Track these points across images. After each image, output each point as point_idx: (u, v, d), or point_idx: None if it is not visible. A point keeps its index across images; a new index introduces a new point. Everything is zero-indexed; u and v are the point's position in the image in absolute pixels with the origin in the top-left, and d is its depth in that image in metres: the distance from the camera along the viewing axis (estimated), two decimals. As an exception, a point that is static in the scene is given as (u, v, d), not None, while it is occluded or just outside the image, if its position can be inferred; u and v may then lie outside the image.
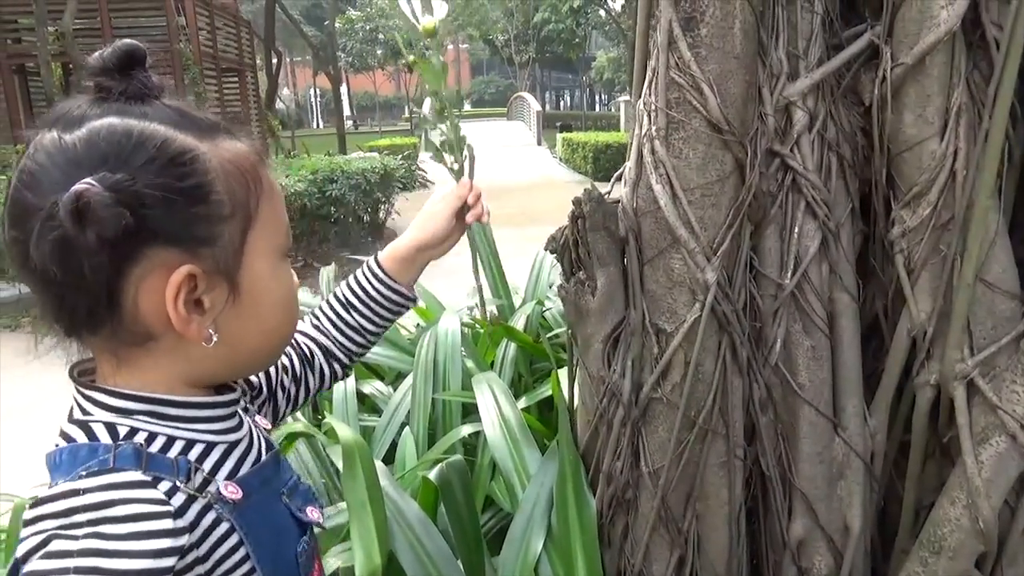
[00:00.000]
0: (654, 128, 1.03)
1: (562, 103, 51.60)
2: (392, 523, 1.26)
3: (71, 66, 9.39)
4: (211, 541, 0.60)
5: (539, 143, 21.64)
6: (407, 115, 40.18)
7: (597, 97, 48.15)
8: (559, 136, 19.14)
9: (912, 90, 1.00)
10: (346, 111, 40.42)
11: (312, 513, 0.71)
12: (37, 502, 0.53)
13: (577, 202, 1.08)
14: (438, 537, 1.25)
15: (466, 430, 1.67)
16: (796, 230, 1.08)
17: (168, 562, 0.53)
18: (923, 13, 0.98)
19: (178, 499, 0.58)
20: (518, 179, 15.35)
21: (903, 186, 1.05)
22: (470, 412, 1.83)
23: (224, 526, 0.61)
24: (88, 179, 0.52)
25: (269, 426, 0.76)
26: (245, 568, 0.63)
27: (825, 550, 1.19)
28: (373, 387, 2.13)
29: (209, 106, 10.64)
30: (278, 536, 0.69)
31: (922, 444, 1.16)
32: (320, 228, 7.95)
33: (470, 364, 1.99)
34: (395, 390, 2.04)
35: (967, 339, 1.05)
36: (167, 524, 0.54)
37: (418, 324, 2.55)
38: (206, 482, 0.62)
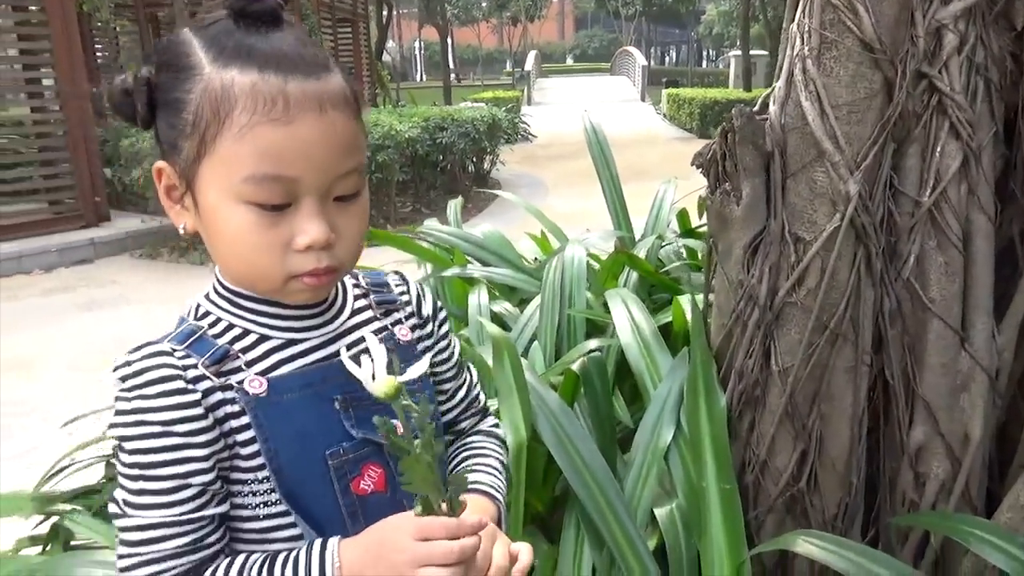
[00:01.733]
0: (806, 48, 1.11)
1: (667, 59, 50.19)
2: (535, 408, 1.42)
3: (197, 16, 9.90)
4: (227, 428, 0.69)
5: (643, 99, 21.27)
6: (509, 69, 40.10)
7: (705, 53, 46.57)
8: (664, 92, 18.74)
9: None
10: (450, 64, 40.74)
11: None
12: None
13: (728, 118, 1.18)
14: (576, 421, 1.40)
15: (592, 344, 1.82)
16: (938, 150, 1.15)
17: (190, 412, 0.67)
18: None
19: (203, 384, 0.68)
20: (621, 134, 15.21)
21: (1051, 107, 1.09)
22: (591, 334, 1.97)
23: (244, 419, 0.69)
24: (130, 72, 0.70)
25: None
26: (257, 461, 0.70)
27: (943, 457, 1.27)
28: (502, 307, 2.30)
29: (325, 55, 10.99)
30: (303, 438, 0.71)
31: (1049, 362, 1.21)
32: (429, 175, 8.21)
33: (588, 295, 2.12)
34: (521, 311, 2.20)
35: (1105, 258, 1.10)
36: (179, 384, 0.67)
37: (536, 258, 2.70)
38: (237, 370, 0.70)
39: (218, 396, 0.69)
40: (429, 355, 0.77)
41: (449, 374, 0.86)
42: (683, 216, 2.71)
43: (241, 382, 0.70)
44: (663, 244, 2.47)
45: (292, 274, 0.69)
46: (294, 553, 0.68)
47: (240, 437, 0.70)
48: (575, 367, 1.43)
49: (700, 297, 1.45)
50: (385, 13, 15.50)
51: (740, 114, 1.16)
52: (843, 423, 1.28)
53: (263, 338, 0.72)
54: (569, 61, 46.51)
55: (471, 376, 0.91)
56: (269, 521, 0.72)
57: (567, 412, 1.41)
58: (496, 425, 0.93)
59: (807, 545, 1.07)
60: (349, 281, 0.80)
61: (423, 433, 0.62)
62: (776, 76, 1.22)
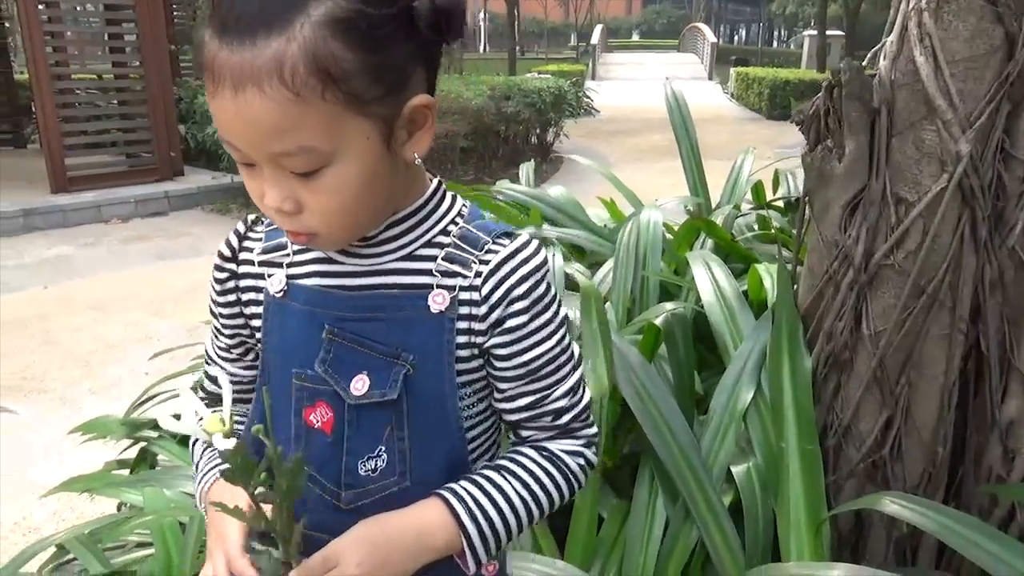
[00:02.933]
0: (923, 1, 1.08)
1: (736, 37, 48.89)
2: (618, 361, 1.43)
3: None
4: (248, 312, 0.78)
5: (710, 77, 20.81)
6: (573, 43, 39.62)
7: (776, 33, 45.20)
8: (732, 71, 18.29)
9: None
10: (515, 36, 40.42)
11: (356, 384, 0.71)
12: None
13: (835, 72, 1.16)
14: (655, 375, 1.41)
15: (669, 305, 1.81)
16: (1057, 112, 1.10)
17: (218, 286, 0.79)
18: None
19: (244, 268, 0.77)
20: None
21: None
22: (662, 300, 1.97)
23: (260, 308, 0.76)
24: None
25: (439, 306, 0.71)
26: (261, 351, 0.77)
27: (1033, 434, 1.24)
28: (574, 268, 2.32)
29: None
30: (286, 349, 0.75)
31: None
32: (492, 144, 8.22)
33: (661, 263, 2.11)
34: (593, 274, 2.21)
35: None
36: (221, 262, 0.79)
37: (605, 224, 2.70)
38: (277, 265, 0.75)
39: (251, 283, 0.77)
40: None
41: (507, 373, 0.73)
42: (758, 189, 2.66)
43: (271, 276, 0.76)
44: (739, 214, 2.43)
45: (278, 224, 0.69)
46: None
47: (255, 324, 0.78)
48: (658, 321, 1.44)
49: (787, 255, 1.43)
50: (454, -19, 15.44)
51: (848, 68, 1.13)
52: (933, 392, 1.26)
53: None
54: (635, 37, 45.71)
55: (559, 388, 0.75)
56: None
57: (646, 367, 1.41)
58: (575, 453, 0.76)
59: (893, 506, 1.06)
60: (439, 223, 0.73)
61: (279, 482, 0.59)
62: (887, 32, 1.19)
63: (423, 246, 0.72)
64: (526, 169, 2.93)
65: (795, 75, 14.62)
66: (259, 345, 0.78)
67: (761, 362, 1.38)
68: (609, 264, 2.14)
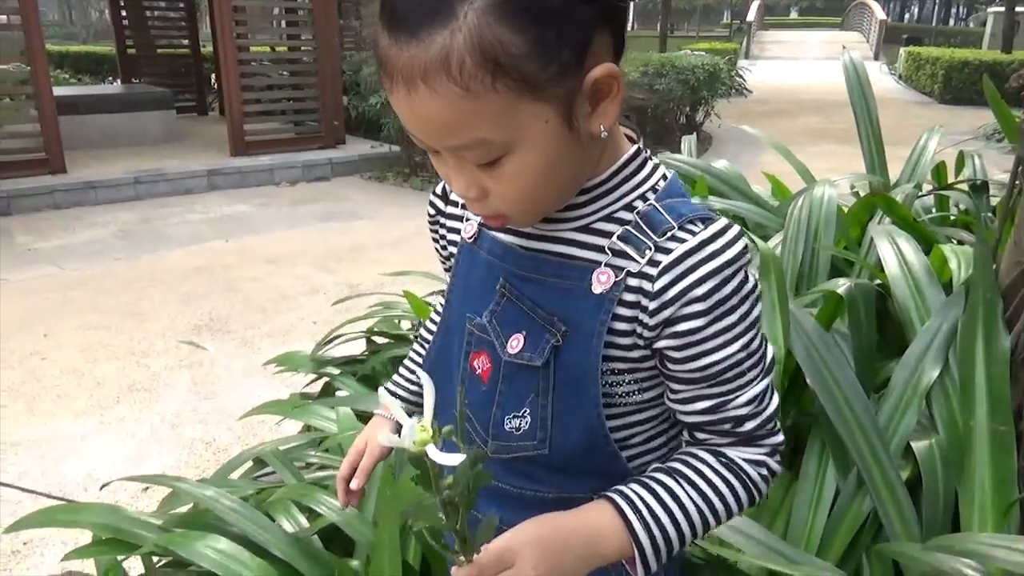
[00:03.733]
0: None
1: (908, 15, 45.30)
2: (791, 328, 1.43)
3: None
4: (447, 253, 0.84)
5: (876, 57, 19.46)
6: (727, 20, 38.12)
7: (953, 10, 41.46)
8: (902, 50, 17.02)
9: None
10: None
11: (512, 343, 0.71)
12: None
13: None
14: (832, 344, 1.39)
15: (842, 283, 1.78)
16: None
17: (431, 225, 0.85)
18: None
19: (451, 209, 0.82)
20: (844, 96, 14.07)
21: None
22: (832, 277, 1.92)
23: (456, 250, 0.81)
24: None
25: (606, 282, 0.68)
26: (447, 287, 0.82)
27: None
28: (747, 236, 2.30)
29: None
30: (466, 293, 0.77)
31: None
32: (640, 121, 8.15)
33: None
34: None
35: None
36: (432, 201, 0.84)
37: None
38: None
39: (453, 224, 0.82)
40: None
41: (681, 375, 0.68)
42: (939, 170, 2.52)
43: (468, 221, 0.79)
44: (919, 195, 2.32)
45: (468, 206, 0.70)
46: None
47: (451, 263, 0.83)
48: (840, 290, 1.42)
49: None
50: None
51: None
52: None
53: None
54: (793, 14, 43.42)
55: (743, 394, 0.68)
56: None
57: (823, 335, 1.40)
58: (757, 463, 0.71)
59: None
60: (624, 197, 0.69)
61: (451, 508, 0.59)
62: None
63: (602, 220, 0.69)
64: (688, 142, 2.91)
65: (975, 55, 13.43)
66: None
67: (950, 340, 1.34)
68: (777, 238, 2.11)
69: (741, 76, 13.68)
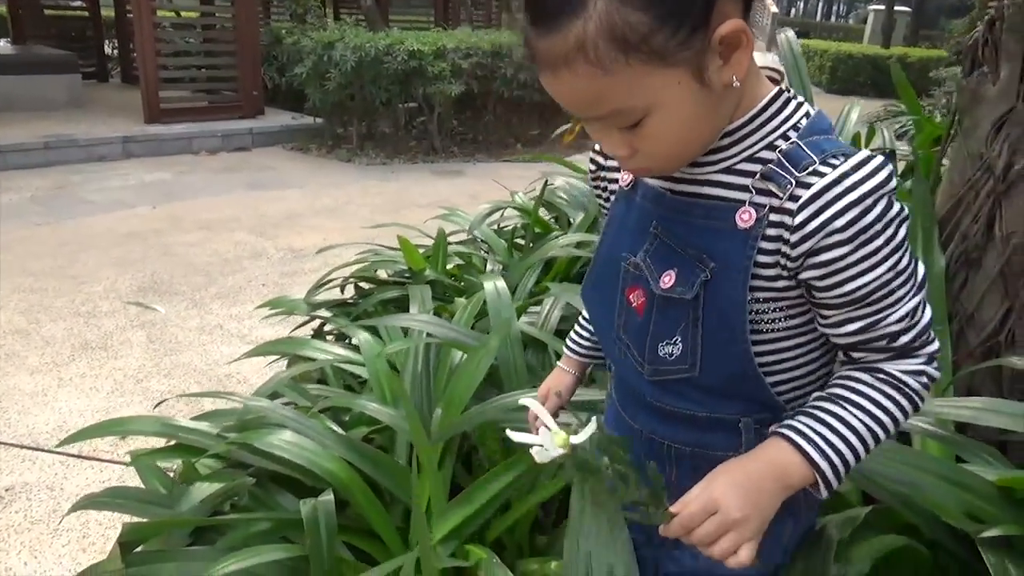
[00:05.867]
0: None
1: (794, 10, 47.78)
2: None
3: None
4: (610, 191, 0.90)
5: (769, 48, 20.53)
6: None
7: (834, 7, 44.12)
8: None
9: None
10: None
11: (665, 279, 0.77)
12: None
13: (996, 6, 1.37)
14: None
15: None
16: None
17: (591, 165, 0.92)
18: None
19: (611, 162, 0.89)
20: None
21: None
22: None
23: (614, 198, 0.89)
24: None
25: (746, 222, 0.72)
26: (602, 230, 0.89)
27: None
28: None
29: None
30: (620, 234, 0.85)
31: None
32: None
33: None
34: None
35: None
36: (595, 152, 0.91)
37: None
38: None
39: (612, 174, 0.90)
40: (583, 434, 0.71)
41: (829, 301, 0.72)
42: (856, 139, 2.87)
43: (624, 171, 0.86)
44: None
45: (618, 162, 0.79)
46: None
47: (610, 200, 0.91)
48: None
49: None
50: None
51: (1011, 3, 1.35)
52: (1049, 288, 1.49)
53: None
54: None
55: (895, 312, 0.71)
56: None
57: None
58: (916, 373, 0.74)
59: (1021, 363, 1.31)
60: (766, 138, 0.73)
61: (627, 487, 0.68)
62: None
63: (744, 160, 0.73)
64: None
65: (859, 49, 14.45)
66: None
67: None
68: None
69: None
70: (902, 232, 0.69)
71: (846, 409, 0.74)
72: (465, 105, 7.52)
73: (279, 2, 8.94)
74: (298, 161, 6.96)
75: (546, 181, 2.39)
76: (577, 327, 1.07)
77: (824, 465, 0.72)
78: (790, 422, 0.75)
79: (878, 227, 0.67)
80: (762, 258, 0.72)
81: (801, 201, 0.68)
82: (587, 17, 0.62)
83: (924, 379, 0.74)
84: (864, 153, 0.68)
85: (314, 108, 7.17)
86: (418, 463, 1.32)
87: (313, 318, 2.24)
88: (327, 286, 2.34)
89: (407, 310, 1.96)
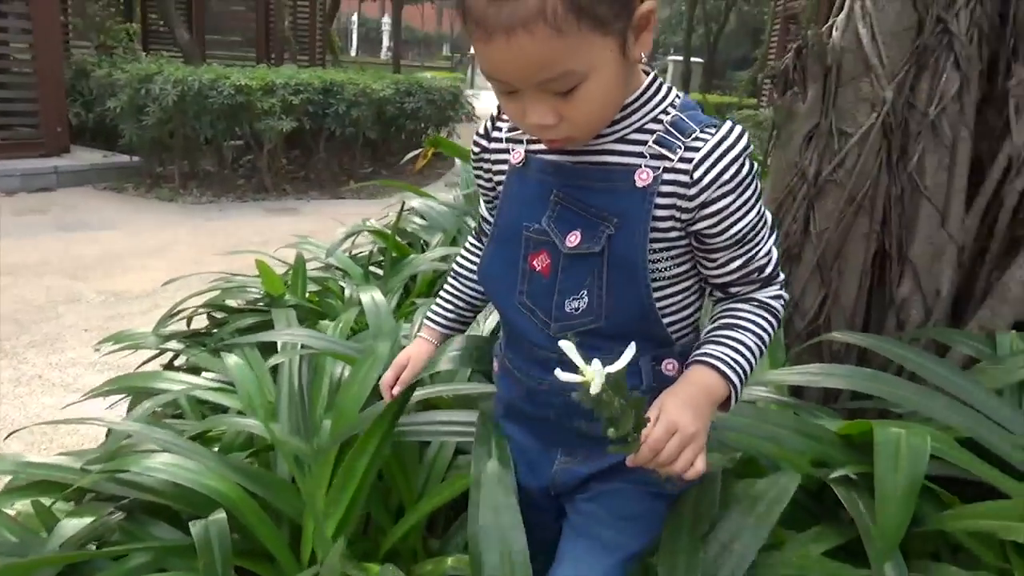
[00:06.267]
0: (864, -10, 1.56)
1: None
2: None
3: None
4: (497, 180, 0.98)
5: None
6: (446, 53, 40.09)
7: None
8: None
9: (1040, -16, 1.53)
10: (385, 42, 40.39)
11: (570, 238, 0.86)
12: None
13: (803, 38, 1.62)
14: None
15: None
16: (944, 76, 1.62)
17: (476, 162, 1.01)
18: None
19: (495, 144, 0.97)
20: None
21: (1023, 51, 1.58)
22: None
23: (504, 177, 0.96)
24: None
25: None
26: (496, 206, 0.97)
27: (920, 306, 1.75)
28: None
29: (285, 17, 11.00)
30: (520, 206, 0.93)
31: (1001, 239, 1.70)
32: (392, 138, 8.46)
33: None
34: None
35: (1048, 158, 1.59)
36: (477, 139, 0.99)
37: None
38: (519, 142, 0.94)
39: (499, 156, 0.97)
40: (621, 361, 0.74)
41: (717, 244, 0.86)
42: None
43: (514, 151, 0.94)
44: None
45: (536, 134, 0.87)
46: None
47: (500, 189, 0.98)
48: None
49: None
50: (338, -19, 15.45)
51: (813, 36, 1.60)
52: (854, 277, 1.74)
53: None
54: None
55: (761, 248, 0.89)
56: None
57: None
58: (776, 297, 0.92)
59: (841, 336, 1.52)
60: (651, 113, 0.86)
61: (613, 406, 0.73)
62: (835, 12, 1.67)
63: (635, 131, 0.85)
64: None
65: (662, 95, 15.74)
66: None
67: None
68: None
69: (471, 103, 14.61)
70: (758, 184, 0.87)
71: (744, 334, 0.89)
72: (296, 142, 7.38)
73: (79, 34, 8.32)
74: (113, 201, 6.46)
75: (403, 205, 2.43)
76: (439, 301, 1.18)
77: (737, 381, 0.87)
78: (705, 351, 0.89)
79: (748, 180, 0.84)
80: (658, 212, 0.85)
81: (695, 161, 0.82)
82: None
83: (782, 301, 0.92)
84: (729, 123, 0.84)
85: (129, 145, 6.72)
86: (305, 478, 1.30)
87: (162, 352, 2.12)
88: (176, 318, 2.22)
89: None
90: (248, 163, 7.35)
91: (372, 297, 1.66)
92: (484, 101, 17.71)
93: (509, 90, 0.80)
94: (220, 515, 1.17)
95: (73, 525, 1.23)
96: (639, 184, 0.84)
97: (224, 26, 11.73)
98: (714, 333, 0.90)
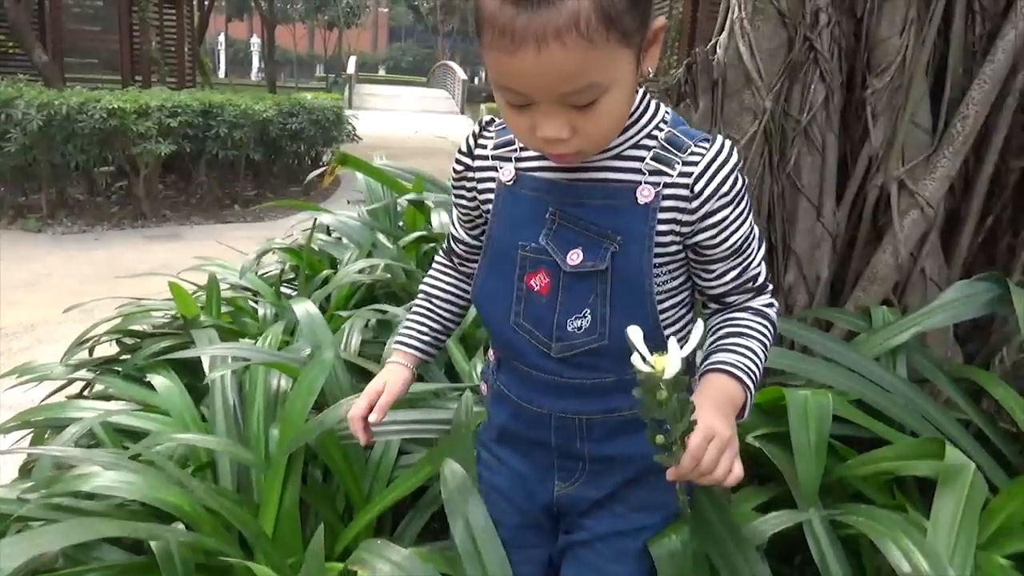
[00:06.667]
0: (744, 13, 1.76)
1: (477, 79, 52.12)
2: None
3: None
4: (483, 199, 0.95)
5: (462, 111, 22.19)
6: (322, 73, 39.45)
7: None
8: (483, 106, 19.73)
9: (887, 7, 1.78)
10: (255, 63, 39.29)
11: (572, 256, 0.86)
12: None
13: (692, 55, 1.79)
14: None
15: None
16: (812, 87, 1.84)
17: (458, 179, 0.97)
18: (894, -36, 1.75)
19: (479, 163, 0.94)
20: (439, 143, 15.84)
21: (875, 65, 1.82)
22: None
23: (492, 195, 0.93)
24: None
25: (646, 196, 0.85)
26: (488, 227, 0.94)
27: (804, 292, 1.96)
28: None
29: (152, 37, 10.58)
30: (513, 226, 0.90)
31: (867, 228, 1.94)
32: (275, 160, 8.28)
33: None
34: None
35: (901, 158, 1.84)
36: (460, 157, 0.97)
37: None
38: (507, 159, 0.92)
39: (485, 174, 0.95)
40: (692, 342, 0.74)
41: (716, 255, 0.88)
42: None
43: (502, 168, 0.92)
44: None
45: (543, 149, 0.84)
46: None
47: (485, 206, 0.95)
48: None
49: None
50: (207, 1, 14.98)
51: (700, 54, 1.78)
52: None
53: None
54: (381, 72, 46.61)
55: (755, 258, 0.91)
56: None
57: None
58: (770, 305, 0.93)
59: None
60: (646, 129, 0.86)
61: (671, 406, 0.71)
62: (717, 32, 1.86)
63: (631, 147, 0.86)
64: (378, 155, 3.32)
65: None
66: (485, 221, 0.94)
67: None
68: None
69: (351, 124, 14.49)
70: (749, 197, 0.91)
71: (751, 341, 0.90)
72: (173, 166, 7.11)
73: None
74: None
75: (315, 221, 2.45)
76: (411, 325, 1.10)
77: (752, 387, 0.88)
78: (720, 359, 0.88)
79: (743, 192, 0.87)
80: (660, 227, 0.86)
81: (695, 175, 0.84)
82: None
83: (775, 308, 0.95)
84: (720, 138, 0.87)
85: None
86: (259, 487, 1.32)
87: (69, 383, 2.04)
88: (83, 346, 2.14)
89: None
90: (121, 189, 7.01)
91: (306, 309, 1.69)
92: (363, 121, 17.63)
93: (522, 103, 0.77)
94: (179, 527, 1.18)
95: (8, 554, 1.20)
96: (641, 201, 0.85)
97: (83, 47, 11.10)
98: (723, 342, 0.90)
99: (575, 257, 0.86)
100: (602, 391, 0.91)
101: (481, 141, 0.96)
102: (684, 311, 0.95)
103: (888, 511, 1.11)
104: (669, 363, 0.70)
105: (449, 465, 1.11)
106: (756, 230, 0.92)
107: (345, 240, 2.69)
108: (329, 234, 2.78)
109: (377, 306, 1.87)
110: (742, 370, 0.87)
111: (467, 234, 1.04)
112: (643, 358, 0.71)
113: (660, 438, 0.74)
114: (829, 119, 1.88)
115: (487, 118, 0.97)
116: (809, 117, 1.85)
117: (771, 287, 0.96)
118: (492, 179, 0.94)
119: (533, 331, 0.90)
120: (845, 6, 1.85)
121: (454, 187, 1.00)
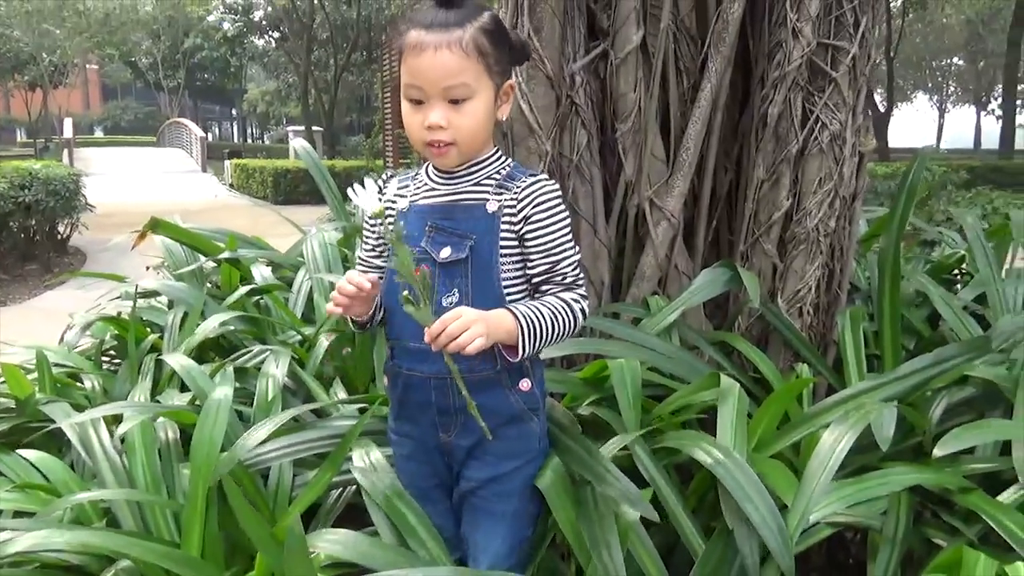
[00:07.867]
0: (521, 79, 2.20)
1: (211, 134, 49.64)
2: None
3: None
4: (386, 216, 1.35)
5: (204, 170, 21.20)
6: (26, 139, 35.25)
7: (250, 129, 47.44)
8: (228, 163, 19.08)
9: (622, 71, 2.32)
10: (-63, 132, 34.01)
11: (443, 252, 1.28)
12: None
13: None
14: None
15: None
16: (577, 132, 2.32)
17: (380, 196, 1.38)
18: (624, 38, 2.30)
19: (387, 196, 1.40)
20: (196, 203, 15.08)
21: (620, 113, 2.36)
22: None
23: (392, 217, 1.35)
24: None
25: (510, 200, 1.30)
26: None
27: (593, 295, 2.43)
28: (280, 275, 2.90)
29: None
30: (407, 238, 1.27)
31: (631, 239, 2.47)
32: (9, 237, 7.50)
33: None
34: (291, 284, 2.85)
35: (648, 182, 2.39)
36: (373, 190, 1.32)
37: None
38: (404, 196, 1.37)
39: (396, 204, 1.38)
40: (370, 190, 1.25)
41: (532, 249, 1.30)
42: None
43: (400, 200, 1.38)
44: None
45: (426, 142, 1.26)
46: None
47: (377, 241, 1.44)
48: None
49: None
50: None
51: (492, 111, 2.18)
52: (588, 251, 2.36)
53: (425, 182, 1.37)
54: (98, 133, 42.68)
55: (565, 261, 1.31)
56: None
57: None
58: (575, 300, 1.31)
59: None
60: (495, 168, 1.32)
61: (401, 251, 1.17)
62: (501, 94, 2.28)
63: (485, 178, 1.32)
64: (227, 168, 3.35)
65: (293, 164, 16.08)
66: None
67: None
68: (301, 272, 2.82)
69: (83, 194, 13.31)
70: (566, 215, 1.34)
71: (540, 305, 1.29)
72: None
73: None
74: None
75: (137, 287, 2.49)
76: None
77: (525, 327, 1.23)
78: (515, 306, 1.26)
79: (559, 207, 1.33)
80: (503, 228, 1.30)
81: (520, 191, 1.30)
82: (465, 29, 1.21)
83: (579, 306, 1.32)
84: (543, 174, 1.35)
85: None
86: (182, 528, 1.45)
87: None
88: None
89: (27, 439, 1.89)
90: None
91: (179, 362, 1.81)
92: (92, 189, 16.16)
93: (419, 98, 1.23)
94: (129, 564, 1.29)
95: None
96: (489, 210, 1.29)
97: None
98: (525, 304, 1.29)
99: (446, 252, 1.28)
100: (467, 355, 1.19)
101: (386, 188, 1.42)
102: (523, 294, 1.35)
103: (688, 430, 1.56)
104: (364, 205, 1.25)
105: (355, 451, 1.39)
106: (570, 244, 1.33)
107: (157, 303, 2.74)
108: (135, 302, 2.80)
109: (235, 354, 2.02)
110: (521, 313, 1.24)
111: (371, 257, 1.46)
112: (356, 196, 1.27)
113: (412, 305, 1.17)
114: (592, 157, 2.38)
115: (389, 174, 1.45)
116: (578, 157, 2.33)
117: (582, 289, 1.34)
118: (393, 210, 1.38)
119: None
120: (592, 69, 2.37)
121: (367, 223, 1.44)
